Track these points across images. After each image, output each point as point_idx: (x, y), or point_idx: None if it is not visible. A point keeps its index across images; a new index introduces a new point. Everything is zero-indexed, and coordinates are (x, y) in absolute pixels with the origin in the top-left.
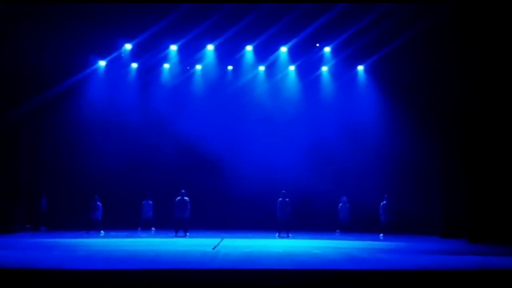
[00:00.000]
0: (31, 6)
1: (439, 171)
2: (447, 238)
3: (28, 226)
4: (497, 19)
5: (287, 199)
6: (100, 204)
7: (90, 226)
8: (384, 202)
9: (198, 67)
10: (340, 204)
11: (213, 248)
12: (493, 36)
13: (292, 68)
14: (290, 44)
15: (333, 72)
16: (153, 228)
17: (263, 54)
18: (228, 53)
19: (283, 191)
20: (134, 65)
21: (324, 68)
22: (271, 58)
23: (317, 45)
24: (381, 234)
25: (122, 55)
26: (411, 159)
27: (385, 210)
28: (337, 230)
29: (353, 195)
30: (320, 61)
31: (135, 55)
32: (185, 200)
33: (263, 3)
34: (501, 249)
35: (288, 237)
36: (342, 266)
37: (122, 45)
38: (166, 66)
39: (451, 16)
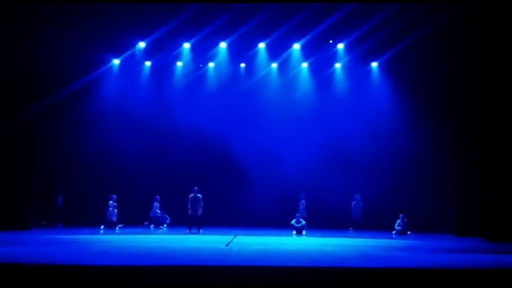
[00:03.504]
0: (46, 6)
1: (454, 169)
2: (462, 237)
3: (44, 222)
4: None
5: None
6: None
7: (107, 223)
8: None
9: (211, 64)
10: (354, 202)
11: (226, 245)
12: (509, 33)
13: (305, 65)
14: (303, 41)
15: (347, 69)
16: (165, 225)
17: (276, 51)
18: (241, 51)
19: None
20: (148, 63)
21: (338, 65)
22: (284, 55)
23: (330, 41)
24: (393, 232)
25: (136, 53)
26: (426, 156)
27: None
28: (351, 228)
29: (366, 193)
30: (333, 58)
31: (148, 53)
32: (198, 197)
33: (276, 1)
34: None
35: (302, 234)
36: (356, 264)
37: (136, 43)
38: (179, 64)
39: (467, 12)
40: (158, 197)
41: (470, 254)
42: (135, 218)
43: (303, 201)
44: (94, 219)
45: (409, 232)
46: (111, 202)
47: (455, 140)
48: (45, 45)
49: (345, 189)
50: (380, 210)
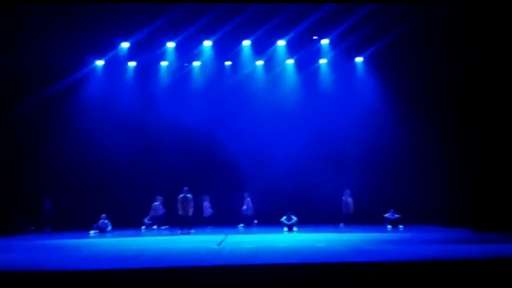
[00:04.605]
0: (28, 7)
1: (442, 161)
2: (451, 228)
3: (32, 227)
4: (499, 13)
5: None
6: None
7: (155, 223)
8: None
9: (196, 63)
10: (344, 197)
11: (218, 244)
12: (492, 30)
13: (290, 61)
14: (287, 37)
15: (332, 64)
16: (155, 227)
17: (261, 48)
18: (226, 49)
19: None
20: (132, 63)
21: (323, 61)
22: (269, 52)
23: (315, 37)
24: (389, 226)
25: (119, 54)
26: (414, 149)
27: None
28: (341, 223)
29: (356, 187)
30: (318, 53)
31: (133, 53)
32: (188, 197)
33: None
34: (508, 237)
35: (293, 231)
36: (348, 258)
37: (120, 43)
38: (164, 63)
39: (451, 7)
40: (208, 196)
41: (462, 245)
42: (128, 219)
43: (248, 199)
44: (83, 223)
45: (401, 227)
46: (157, 203)
47: (443, 132)
48: (26, 48)
49: (335, 184)
50: (370, 204)
